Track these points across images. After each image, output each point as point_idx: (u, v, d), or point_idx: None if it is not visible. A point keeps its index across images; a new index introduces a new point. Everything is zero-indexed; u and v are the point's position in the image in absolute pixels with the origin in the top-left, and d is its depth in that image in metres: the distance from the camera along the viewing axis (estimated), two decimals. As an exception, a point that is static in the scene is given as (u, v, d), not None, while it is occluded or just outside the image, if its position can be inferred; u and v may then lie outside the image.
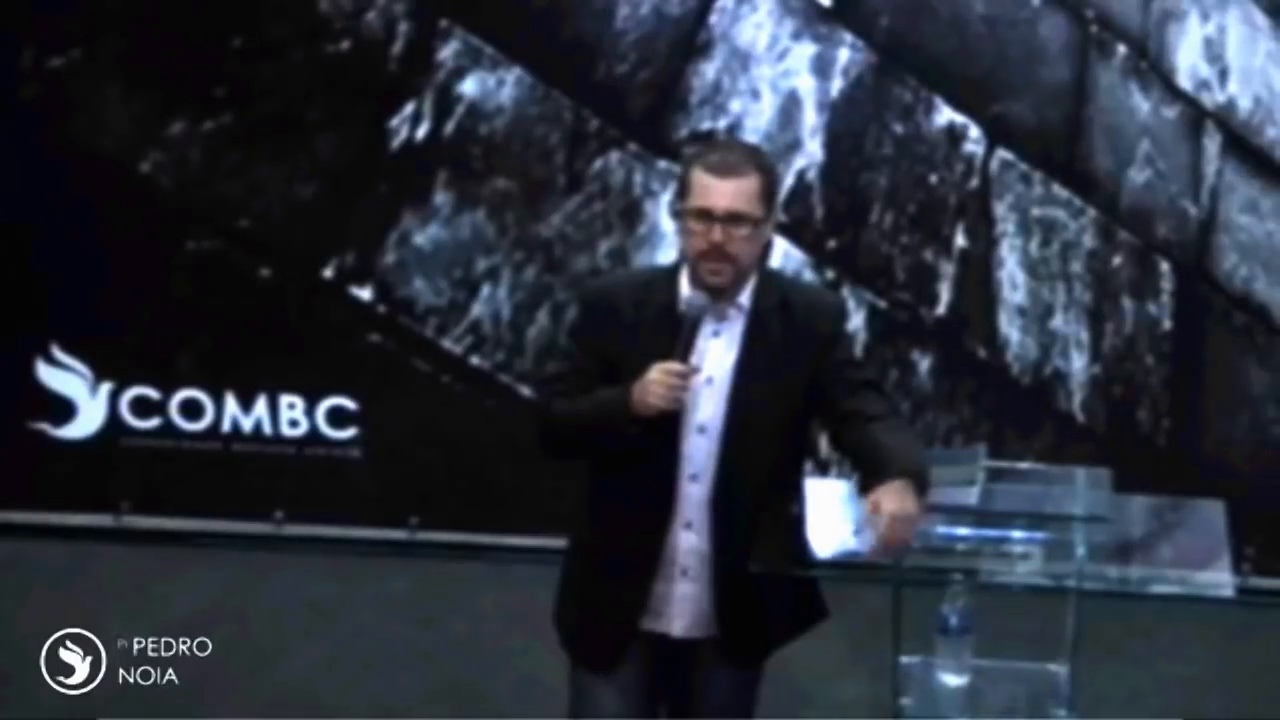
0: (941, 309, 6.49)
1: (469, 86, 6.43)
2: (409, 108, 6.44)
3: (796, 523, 4.23)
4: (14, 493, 6.59)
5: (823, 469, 5.91)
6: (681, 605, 4.25)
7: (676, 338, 4.12)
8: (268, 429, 6.62)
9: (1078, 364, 6.49)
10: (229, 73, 6.44)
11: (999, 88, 6.38)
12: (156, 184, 6.50)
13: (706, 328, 4.19)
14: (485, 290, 6.53)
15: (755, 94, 6.41)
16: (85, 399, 6.60)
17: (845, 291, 6.36)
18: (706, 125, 6.41)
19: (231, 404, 6.61)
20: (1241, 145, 6.38)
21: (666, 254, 6.32)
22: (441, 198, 6.48)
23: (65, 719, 5.20)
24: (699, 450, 4.20)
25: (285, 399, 6.60)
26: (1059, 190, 6.43)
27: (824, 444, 5.53)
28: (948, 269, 6.47)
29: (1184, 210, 6.42)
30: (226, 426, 6.63)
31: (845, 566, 4.17)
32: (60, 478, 6.62)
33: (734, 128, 6.40)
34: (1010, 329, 6.49)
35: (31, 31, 6.44)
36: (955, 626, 4.29)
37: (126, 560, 6.45)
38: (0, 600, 6.16)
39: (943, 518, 4.18)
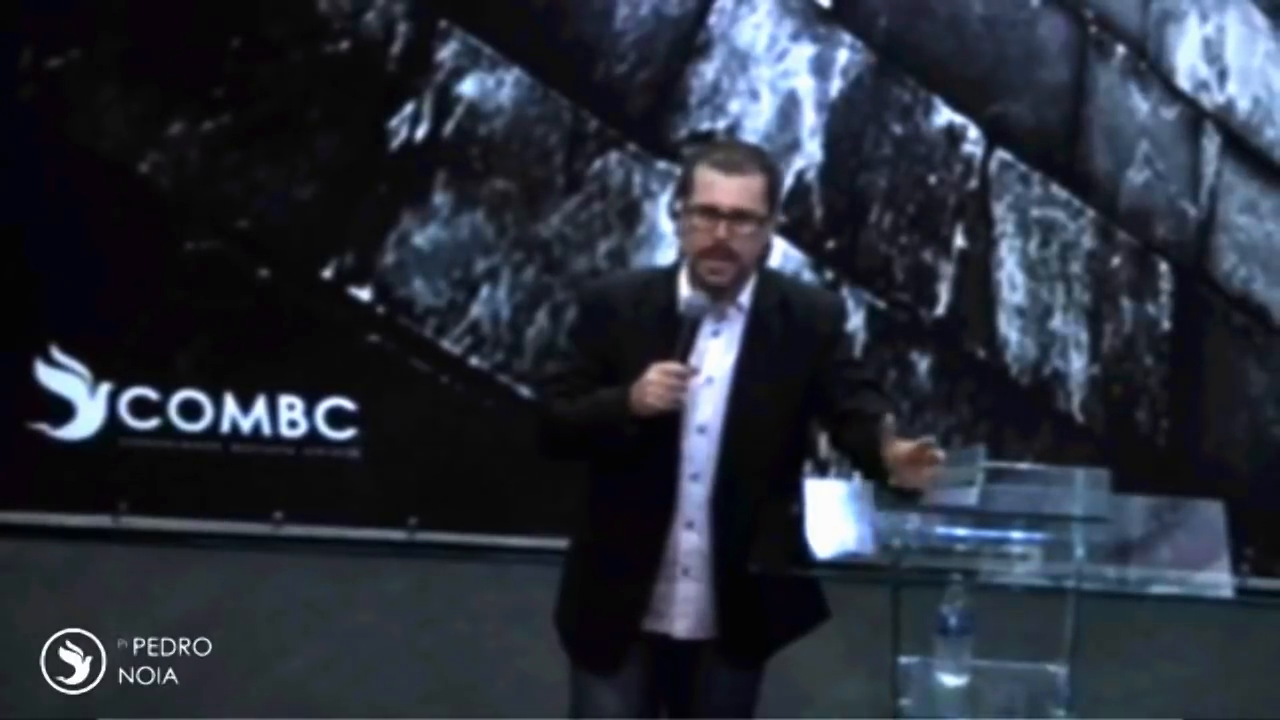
0: (941, 309, 6.49)
1: (468, 87, 6.43)
2: (408, 108, 6.44)
3: (796, 523, 4.23)
4: (13, 493, 6.59)
5: (823, 469, 5.91)
6: (683, 605, 4.25)
7: (675, 338, 4.13)
8: (267, 429, 6.62)
9: (1077, 364, 6.49)
10: (228, 73, 6.44)
11: (998, 88, 6.38)
12: (155, 184, 6.49)
13: (706, 328, 4.19)
14: (484, 291, 6.53)
15: (754, 94, 6.41)
16: (84, 399, 6.60)
17: (845, 292, 6.36)
18: (706, 126, 6.41)
19: (231, 404, 6.61)
20: (1240, 146, 6.38)
21: (666, 254, 6.32)
22: (441, 198, 6.48)
23: (65, 719, 5.20)
24: (699, 450, 4.20)
25: (284, 399, 6.60)
26: (1058, 191, 6.43)
27: (824, 444, 5.54)
28: (947, 269, 6.47)
29: (1183, 211, 6.42)
30: (225, 427, 6.62)
31: (845, 566, 4.17)
32: (59, 478, 6.62)
33: (733, 128, 6.40)
34: (1009, 329, 6.49)
35: (30, 31, 6.43)
36: (954, 627, 4.29)
37: (126, 560, 6.44)
38: (0, 600, 6.17)
39: (942, 518, 4.19)
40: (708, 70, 6.40)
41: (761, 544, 4.15)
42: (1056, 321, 6.47)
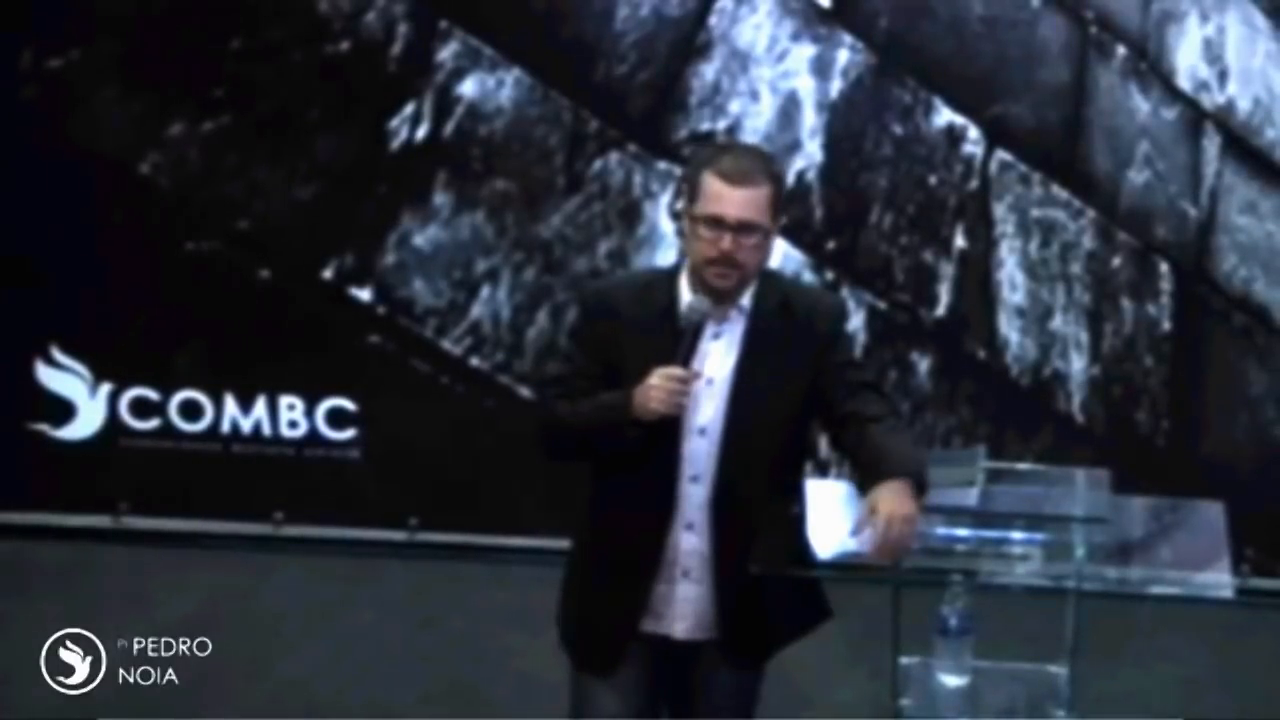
0: (941, 310, 6.49)
1: (468, 87, 6.43)
2: (409, 108, 6.44)
3: (797, 523, 4.23)
4: (14, 493, 6.60)
5: (823, 469, 5.91)
6: (683, 607, 4.25)
7: (676, 340, 4.12)
8: (267, 430, 6.63)
9: (1077, 365, 6.49)
10: (228, 73, 6.44)
11: (998, 89, 6.38)
12: (156, 185, 6.50)
13: (707, 330, 4.19)
14: (485, 291, 6.53)
15: (754, 95, 6.41)
16: (85, 400, 6.61)
17: (845, 292, 6.36)
18: (706, 126, 6.41)
19: (231, 405, 6.61)
20: (1241, 146, 6.38)
21: (666, 255, 6.32)
22: (441, 199, 6.49)
23: (65, 719, 5.20)
24: (700, 452, 4.20)
25: (284, 400, 6.60)
26: (1058, 191, 6.43)
27: (824, 444, 5.54)
28: (947, 270, 6.47)
29: (1183, 211, 6.42)
30: (226, 427, 6.63)
31: (845, 567, 4.17)
32: (60, 479, 6.62)
33: (733, 129, 6.40)
34: (1010, 330, 6.49)
35: (31, 32, 6.44)
36: (955, 627, 4.29)
37: (126, 561, 6.45)
38: (0, 600, 6.17)
39: (942, 519, 4.18)
40: (708, 71, 6.40)
41: (762, 544, 4.15)
42: (1057, 322, 6.47)
